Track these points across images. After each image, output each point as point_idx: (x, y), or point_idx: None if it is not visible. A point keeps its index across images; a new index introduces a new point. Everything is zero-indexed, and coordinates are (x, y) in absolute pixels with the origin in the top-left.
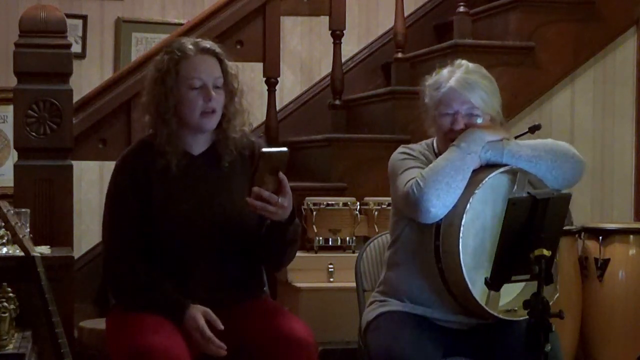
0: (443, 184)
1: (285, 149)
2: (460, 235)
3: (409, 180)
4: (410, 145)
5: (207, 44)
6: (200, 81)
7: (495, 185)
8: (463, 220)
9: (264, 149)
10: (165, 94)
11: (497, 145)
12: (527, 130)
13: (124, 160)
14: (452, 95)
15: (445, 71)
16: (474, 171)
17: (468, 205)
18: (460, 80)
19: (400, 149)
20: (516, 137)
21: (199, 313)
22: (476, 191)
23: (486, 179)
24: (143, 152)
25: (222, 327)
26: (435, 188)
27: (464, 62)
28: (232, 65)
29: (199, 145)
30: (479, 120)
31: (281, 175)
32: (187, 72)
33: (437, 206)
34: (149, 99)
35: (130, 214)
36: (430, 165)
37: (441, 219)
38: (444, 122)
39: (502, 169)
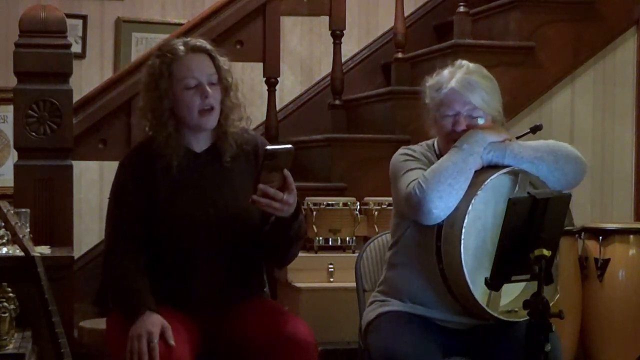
0: (445, 185)
1: (290, 146)
2: (462, 237)
3: (411, 182)
4: (411, 147)
5: (197, 42)
6: (194, 80)
7: (497, 186)
8: (465, 222)
9: (269, 147)
10: (159, 98)
11: (499, 146)
12: (528, 130)
13: (126, 161)
14: (453, 96)
15: (445, 72)
16: (476, 172)
17: (470, 207)
18: (461, 81)
19: (401, 150)
20: (517, 138)
21: (158, 319)
22: (478, 192)
23: (488, 180)
24: (144, 153)
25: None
26: (437, 189)
27: (464, 62)
28: (224, 61)
29: (200, 143)
30: (481, 121)
31: (286, 172)
32: (181, 73)
33: (440, 207)
34: (144, 104)
35: (132, 214)
36: (432, 167)
37: (443, 220)
38: (445, 124)
39: (504, 170)
